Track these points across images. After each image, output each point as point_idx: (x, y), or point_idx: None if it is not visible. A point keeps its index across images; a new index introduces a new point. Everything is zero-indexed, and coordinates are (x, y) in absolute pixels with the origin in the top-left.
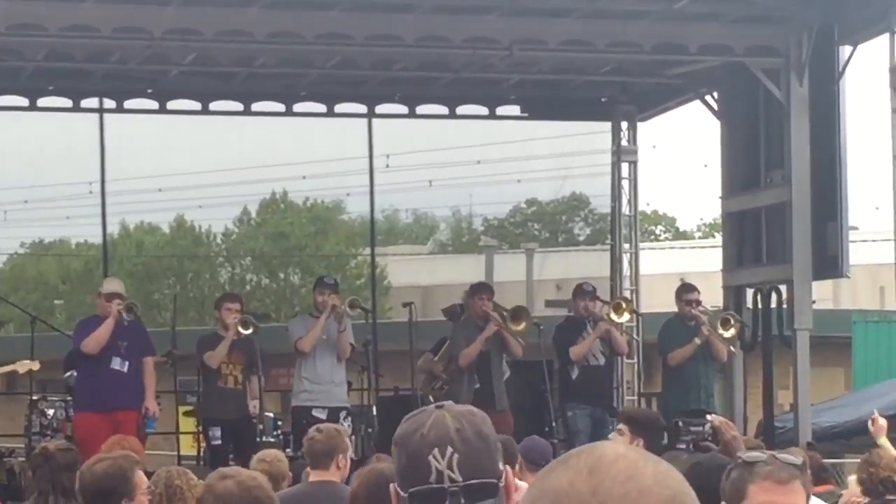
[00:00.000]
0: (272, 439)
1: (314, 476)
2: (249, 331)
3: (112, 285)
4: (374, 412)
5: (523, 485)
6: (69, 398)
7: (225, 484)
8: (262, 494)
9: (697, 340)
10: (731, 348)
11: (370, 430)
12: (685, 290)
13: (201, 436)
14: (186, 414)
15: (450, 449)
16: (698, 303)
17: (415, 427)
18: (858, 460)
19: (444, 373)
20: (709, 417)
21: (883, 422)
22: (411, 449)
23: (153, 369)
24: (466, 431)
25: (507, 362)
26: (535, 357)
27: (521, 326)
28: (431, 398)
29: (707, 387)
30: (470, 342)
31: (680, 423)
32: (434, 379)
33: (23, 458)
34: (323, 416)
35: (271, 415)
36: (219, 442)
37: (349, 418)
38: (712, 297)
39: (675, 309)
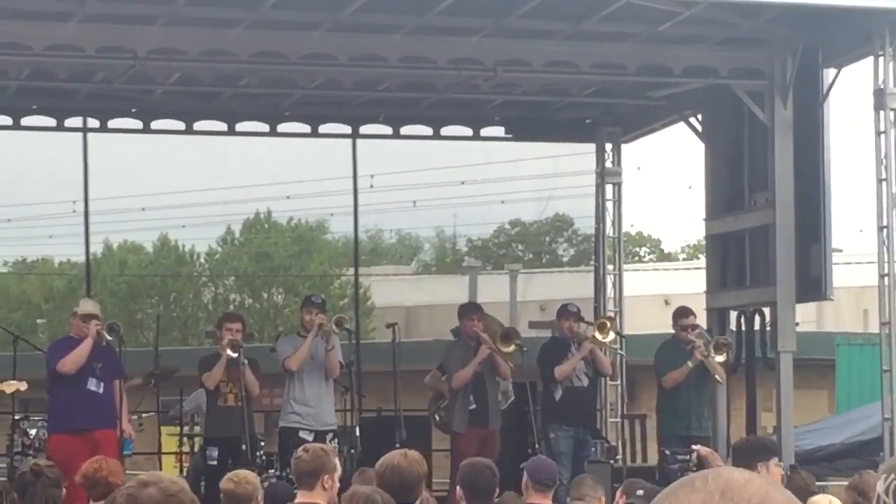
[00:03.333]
0: (258, 461)
1: (300, 497)
2: (236, 354)
3: (88, 307)
4: (357, 433)
5: None
6: None
7: (148, 491)
8: (185, 498)
9: (690, 364)
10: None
11: (353, 451)
12: (680, 315)
13: (185, 456)
14: (171, 435)
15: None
16: (694, 327)
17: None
18: (844, 483)
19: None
20: (694, 448)
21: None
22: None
23: (124, 391)
24: None
25: (511, 387)
26: (519, 378)
27: (511, 348)
28: (437, 417)
29: (699, 412)
30: (464, 362)
31: (667, 452)
32: (440, 398)
33: (3, 478)
34: (310, 438)
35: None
36: (215, 463)
37: (336, 440)
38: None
39: (659, 330)
